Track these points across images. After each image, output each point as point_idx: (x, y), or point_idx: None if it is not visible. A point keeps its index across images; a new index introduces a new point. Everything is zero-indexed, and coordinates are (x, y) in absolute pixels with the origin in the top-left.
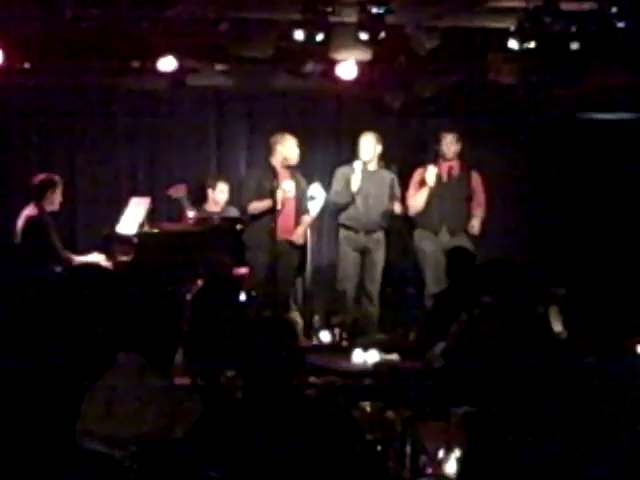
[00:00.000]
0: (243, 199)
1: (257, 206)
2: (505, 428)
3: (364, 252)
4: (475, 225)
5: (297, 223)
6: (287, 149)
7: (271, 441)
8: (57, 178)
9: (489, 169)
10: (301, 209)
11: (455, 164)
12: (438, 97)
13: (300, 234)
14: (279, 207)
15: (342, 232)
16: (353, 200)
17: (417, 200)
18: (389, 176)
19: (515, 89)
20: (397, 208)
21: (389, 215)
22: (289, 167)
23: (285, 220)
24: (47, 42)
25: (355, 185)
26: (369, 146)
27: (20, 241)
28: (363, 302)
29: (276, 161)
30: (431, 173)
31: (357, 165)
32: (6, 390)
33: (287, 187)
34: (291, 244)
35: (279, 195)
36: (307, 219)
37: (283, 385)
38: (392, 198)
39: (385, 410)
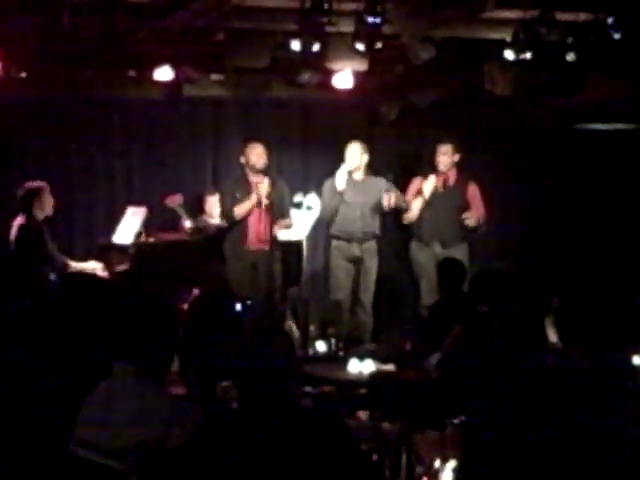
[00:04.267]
0: (224, 210)
1: (241, 209)
2: (501, 438)
3: (356, 262)
4: (471, 219)
5: (266, 233)
6: (248, 156)
7: (266, 451)
8: (41, 184)
9: (485, 179)
10: (275, 217)
11: (451, 175)
12: (434, 107)
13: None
14: (264, 202)
15: (334, 242)
16: (339, 203)
17: (411, 210)
18: (381, 184)
19: (511, 100)
20: (390, 200)
21: (381, 218)
22: (264, 174)
23: (253, 230)
24: (44, 51)
25: (340, 186)
26: (355, 155)
27: (14, 250)
28: (358, 312)
29: (246, 169)
30: (429, 183)
31: (341, 169)
32: (0, 399)
33: (263, 188)
34: (265, 252)
35: (257, 195)
36: (285, 222)
37: (279, 395)
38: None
39: (381, 420)
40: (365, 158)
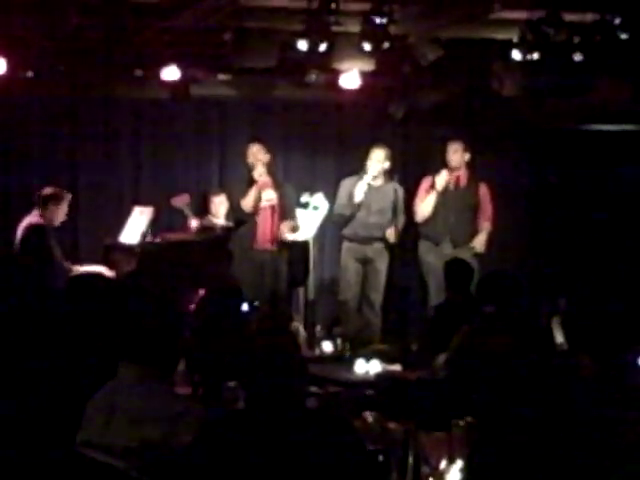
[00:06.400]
0: (233, 208)
1: (246, 202)
2: (507, 439)
3: (366, 262)
4: (481, 241)
5: (274, 233)
6: (250, 159)
7: (272, 452)
8: (64, 194)
9: (491, 180)
10: (281, 219)
11: (462, 174)
12: (441, 108)
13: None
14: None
15: (345, 244)
16: (355, 212)
17: (425, 206)
18: (394, 189)
19: (518, 100)
20: (391, 237)
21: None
22: (269, 176)
23: (262, 230)
24: (50, 51)
25: (358, 197)
26: (378, 162)
27: (19, 249)
28: (365, 312)
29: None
30: (442, 177)
31: (364, 180)
32: (7, 398)
33: (266, 196)
34: (271, 252)
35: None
36: (291, 223)
37: (285, 396)
38: (394, 214)
39: (387, 420)
40: (387, 165)
